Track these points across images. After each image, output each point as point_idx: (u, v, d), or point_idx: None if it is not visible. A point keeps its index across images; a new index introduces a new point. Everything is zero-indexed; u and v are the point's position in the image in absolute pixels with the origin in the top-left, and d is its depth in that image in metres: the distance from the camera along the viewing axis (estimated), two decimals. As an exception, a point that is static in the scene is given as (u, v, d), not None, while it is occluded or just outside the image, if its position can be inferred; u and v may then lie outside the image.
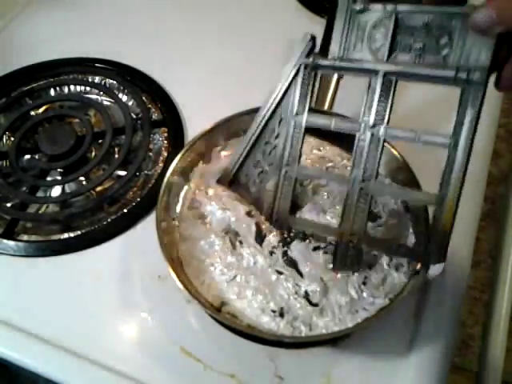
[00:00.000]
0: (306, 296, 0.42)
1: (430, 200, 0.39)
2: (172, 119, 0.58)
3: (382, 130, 0.40)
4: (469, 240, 0.49)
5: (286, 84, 0.42)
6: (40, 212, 0.53)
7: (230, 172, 0.46)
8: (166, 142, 0.56)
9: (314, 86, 0.42)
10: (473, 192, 0.52)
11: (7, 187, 0.53)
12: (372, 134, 0.40)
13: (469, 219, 0.50)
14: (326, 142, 0.50)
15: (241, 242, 0.45)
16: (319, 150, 0.50)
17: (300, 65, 0.42)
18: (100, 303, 0.46)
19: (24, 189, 0.54)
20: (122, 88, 0.61)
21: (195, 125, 0.57)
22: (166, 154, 0.55)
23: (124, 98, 0.60)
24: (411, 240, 0.44)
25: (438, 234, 0.39)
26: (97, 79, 0.62)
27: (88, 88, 0.61)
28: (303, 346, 0.43)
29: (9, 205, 0.53)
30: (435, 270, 0.40)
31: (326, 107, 0.49)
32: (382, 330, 0.43)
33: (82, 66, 0.63)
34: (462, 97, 0.37)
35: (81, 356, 0.42)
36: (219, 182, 0.47)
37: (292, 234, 0.45)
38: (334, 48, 0.41)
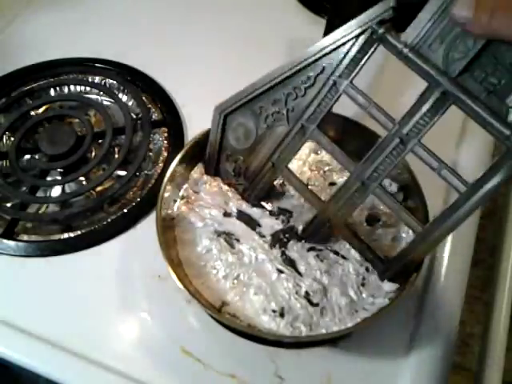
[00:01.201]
0: (307, 296, 0.42)
1: (416, 229, 0.39)
2: (172, 119, 0.58)
3: (412, 142, 0.37)
4: (469, 239, 0.49)
5: (343, 40, 0.37)
6: (40, 212, 0.53)
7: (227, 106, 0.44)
8: (165, 142, 0.56)
9: (368, 57, 0.37)
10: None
11: (7, 187, 0.53)
12: (401, 141, 0.37)
13: (469, 218, 0.50)
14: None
15: (237, 240, 0.45)
16: (317, 153, 0.50)
17: (368, 27, 0.36)
18: (100, 303, 0.46)
19: (24, 189, 0.54)
20: (122, 88, 0.61)
21: (195, 125, 0.57)
22: (165, 154, 0.55)
23: (124, 98, 0.60)
24: (401, 245, 0.44)
25: (405, 259, 0.39)
26: (97, 79, 0.62)
27: (88, 88, 0.61)
28: (303, 346, 0.43)
29: (9, 205, 0.53)
30: (389, 286, 0.41)
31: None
32: (381, 330, 0.43)
33: (82, 66, 0.63)
34: (503, 155, 0.34)
35: (81, 356, 0.42)
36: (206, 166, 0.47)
37: (287, 235, 0.45)
38: (412, 33, 0.35)
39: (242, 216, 0.46)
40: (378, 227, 0.46)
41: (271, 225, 0.46)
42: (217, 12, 0.70)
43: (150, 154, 0.56)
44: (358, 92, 0.39)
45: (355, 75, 0.38)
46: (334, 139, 0.50)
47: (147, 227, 0.49)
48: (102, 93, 0.60)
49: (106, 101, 0.60)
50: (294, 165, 0.49)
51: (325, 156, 0.50)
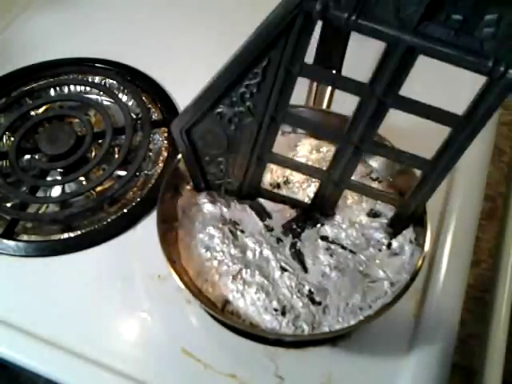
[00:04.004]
0: (310, 295, 0.42)
1: (423, 166, 0.39)
2: (172, 119, 0.57)
3: (391, 98, 0.35)
4: (469, 239, 0.49)
5: (277, 30, 0.34)
6: (40, 212, 0.53)
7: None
8: (165, 142, 0.56)
9: (311, 35, 0.34)
10: (473, 191, 0.52)
11: (7, 187, 0.53)
12: (379, 101, 0.35)
13: (469, 218, 0.50)
14: (326, 142, 0.50)
15: (242, 231, 0.45)
16: (318, 151, 0.50)
17: (301, 9, 0.32)
18: (100, 303, 0.46)
19: (24, 189, 0.54)
20: (122, 88, 0.61)
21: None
22: (165, 154, 0.55)
23: (124, 98, 0.60)
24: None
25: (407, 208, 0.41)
26: (97, 79, 0.62)
27: (88, 88, 0.61)
28: (304, 346, 0.43)
29: (9, 205, 0.53)
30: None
31: (324, 106, 0.49)
32: (382, 329, 0.43)
33: (81, 66, 0.63)
34: (485, 90, 0.32)
35: (81, 356, 0.42)
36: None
37: (300, 224, 0.45)
38: None
39: (254, 205, 0.46)
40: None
41: (284, 214, 0.46)
42: (217, 12, 0.70)
43: (150, 154, 0.56)
44: (316, 69, 0.37)
45: (304, 56, 0.35)
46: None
47: (147, 227, 0.49)
48: (101, 93, 0.61)
49: (106, 101, 0.60)
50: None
51: (327, 154, 0.50)
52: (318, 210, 0.45)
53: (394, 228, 0.44)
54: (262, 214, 0.46)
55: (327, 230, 0.45)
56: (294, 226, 0.45)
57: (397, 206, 0.43)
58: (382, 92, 0.35)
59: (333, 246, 0.44)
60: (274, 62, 0.36)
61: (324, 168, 0.42)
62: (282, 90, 0.37)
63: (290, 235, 0.44)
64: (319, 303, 0.41)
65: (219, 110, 0.40)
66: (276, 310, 0.41)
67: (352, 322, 0.40)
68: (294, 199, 0.46)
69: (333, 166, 0.41)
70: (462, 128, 0.35)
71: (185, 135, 0.42)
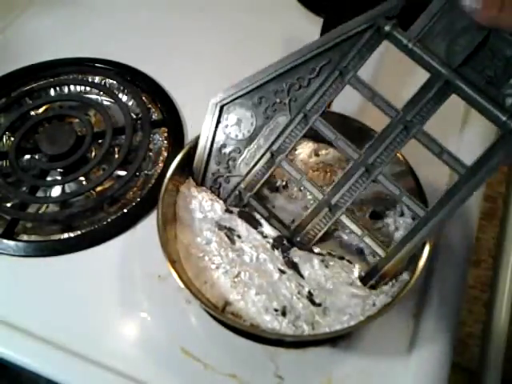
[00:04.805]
0: (310, 296, 0.42)
1: (419, 213, 0.40)
2: (172, 119, 0.58)
3: (415, 128, 0.39)
4: (469, 239, 0.49)
5: (351, 33, 0.40)
6: (40, 212, 0.53)
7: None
8: (165, 142, 0.56)
9: (373, 50, 0.40)
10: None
11: (7, 187, 0.53)
12: (405, 127, 0.40)
13: (469, 218, 0.50)
14: (327, 145, 0.50)
15: (239, 236, 0.45)
16: (317, 155, 0.50)
17: (376, 23, 0.39)
18: (100, 303, 0.46)
19: (24, 189, 0.54)
20: (122, 88, 0.61)
21: (195, 125, 0.57)
22: (165, 154, 0.55)
23: (124, 98, 0.60)
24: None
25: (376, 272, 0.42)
26: (97, 79, 0.62)
27: (88, 88, 0.61)
28: (304, 346, 0.43)
29: (9, 205, 0.53)
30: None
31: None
32: (382, 330, 0.43)
33: (81, 66, 0.63)
34: (499, 139, 0.37)
35: (81, 356, 0.42)
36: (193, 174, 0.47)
37: (289, 242, 0.45)
38: (416, 29, 0.38)
39: (243, 214, 0.46)
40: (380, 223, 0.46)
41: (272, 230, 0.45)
42: (217, 12, 0.70)
43: (150, 153, 0.56)
44: (363, 83, 0.41)
45: (360, 67, 0.41)
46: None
47: (147, 227, 0.49)
48: (102, 93, 0.60)
49: (106, 101, 0.60)
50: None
51: (326, 157, 0.50)
52: (298, 238, 0.44)
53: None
54: (253, 222, 0.46)
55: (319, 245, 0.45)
56: (284, 242, 0.45)
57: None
58: (411, 118, 0.39)
59: (327, 257, 0.44)
60: (332, 64, 0.41)
61: (326, 189, 0.43)
62: (326, 93, 0.42)
63: (280, 248, 0.44)
64: (319, 304, 0.41)
65: (262, 94, 0.43)
66: (276, 310, 0.41)
67: (352, 323, 0.40)
68: (278, 223, 0.45)
69: (336, 186, 0.42)
70: (467, 178, 0.38)
71: (218, 110, 0.44)
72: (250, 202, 0.46)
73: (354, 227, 0.42)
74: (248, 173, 0.45)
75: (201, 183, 0.47)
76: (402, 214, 0.46)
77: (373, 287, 0.42)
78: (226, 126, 0.45)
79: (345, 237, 0.45)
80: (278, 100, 0.43)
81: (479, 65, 0.37)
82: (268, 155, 0.44)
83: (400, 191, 0.41)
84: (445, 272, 0.47)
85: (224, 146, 0.45)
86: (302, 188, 0.48)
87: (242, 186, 0.46)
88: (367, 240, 0.42)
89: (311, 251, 0.44)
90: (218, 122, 0.45)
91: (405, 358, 0.42)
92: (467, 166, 0.38)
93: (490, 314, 0.52)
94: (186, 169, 0.47)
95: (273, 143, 0.44)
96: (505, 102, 0.37)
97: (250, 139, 0.44)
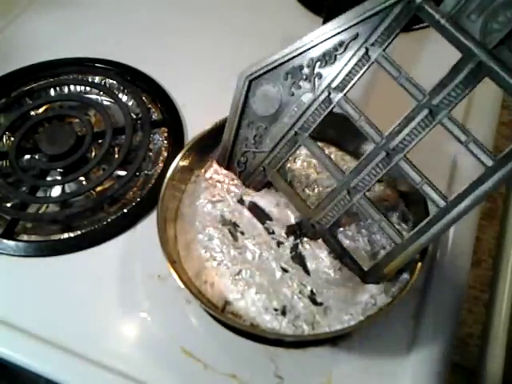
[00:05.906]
0: (312, 295, 0.42)
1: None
2: (172, 119, 0.58)
3: (442, 114, 0.36)
4: (469, 239, 0.49)
5: (380, 7, 0.37)
6: (40, 212, 0.53)
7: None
8: (165, 142, 0.56)
9: (403, 27, 0.37)
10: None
11: (7, 187, 0.53)
12: (430, 112, 0.37)
13: (469, 218, 0.50)
14: (329, 145, 0.50)
15: (242, 233, 0.45)
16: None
17: None
18: (100, 303, 0.46)
19: (24, 189, 0.54)
20: (122, 88, 0.61)
21: (195, 125, 0.57)
22: (165, 154, 0.55)
23: (124, 98, 0.60)
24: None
25: (379, 268, 0.41)
26: (97, 79, 0.62)
27: (88, 88, 0.61)
28: (304, 346, 0.43)
29: (9, 205, 0.53)
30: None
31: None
32: (382, 330, 0.43)
33: (81, 66, 0.63)
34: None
35: (81, 356, 0.42)
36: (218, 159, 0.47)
37: (303, 230, 0.45)
38: (450, 2, 0.35)
39: (254, 208, 0.46)
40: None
41: (285, 217, 0.46)
42: (217, 12, 0.70)
43: (150, 154, 0.56)
44: (390, 61, 0.38)
45: (388, 44, 0.38)
46: (334, 140, 0.50)
47: (147, 227, 0.49)
48: (102, 93, 0.60)
49: (106, 101, 0.60)
50: (299, 166, 0.49)
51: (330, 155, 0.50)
52: (317, 218, 0.44)
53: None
54: (262, 216, 0.46)
55: None
56: (297, 230, 0.45)
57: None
58: (437, 103, 0.36)
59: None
60: (359, 39, 0.39)
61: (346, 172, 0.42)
62: (352, 71, 0.40)
63: (292, 237, 0.44)
64: (320, 304, 0.41)
65: (288, 70, 0.42)
66: (276, 309, 0.41)
67: (352, 323, 0.40)
68: (301, 202, 0.45)
69: (356, 170, 0.41)
70: (493, 171, 0.35)
71: (246, 85, 0.44)
72: (274, 176, 0.46)
73: (371, 211, 0.41)
74: (272, 149, 0.45)
75: (228, 158, 0.47)
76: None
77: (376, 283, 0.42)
78: (254, 102, 0.44)
79: (346, 241, 0.45)
80: (303, 76, 0.41)
81: None
82: (292, 133, 0.44)
83: (421, 178, 0.38)
84: (445, 272, 0.47)
85: (252, 122, 0.45)
86: (306, 188, 0.48)
87: (267, 161, 0.45)
88: (384, 225, 0.40)
89: (325, 238, 0.44)
90: (246, 97, 0.44)
91: (405, 358, 0.42)
92: (495, 158, 0.35)
93: (489, 314, 0.52)
94: (210, 153, 0.49)
95: (297, 121, 0.43)
96: None
97: (276, 116, 0.44)
